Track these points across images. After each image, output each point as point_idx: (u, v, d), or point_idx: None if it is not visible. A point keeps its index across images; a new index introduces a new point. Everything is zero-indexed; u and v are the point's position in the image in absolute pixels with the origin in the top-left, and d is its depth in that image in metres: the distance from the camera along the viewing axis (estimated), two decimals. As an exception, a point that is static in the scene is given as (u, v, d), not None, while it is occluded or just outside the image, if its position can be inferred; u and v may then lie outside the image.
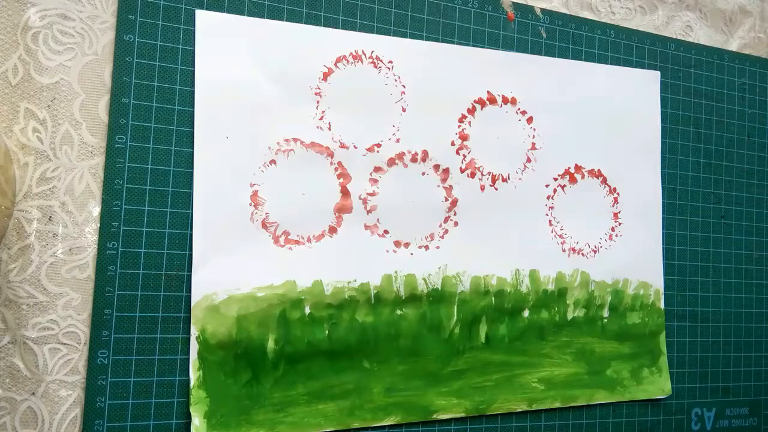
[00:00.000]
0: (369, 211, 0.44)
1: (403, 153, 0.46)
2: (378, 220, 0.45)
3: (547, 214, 0.50)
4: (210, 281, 0.40)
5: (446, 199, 0.47)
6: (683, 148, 0.56)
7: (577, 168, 0.51)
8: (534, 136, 0.49)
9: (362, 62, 0.45)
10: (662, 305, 0.53)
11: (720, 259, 0.56)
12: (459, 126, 0.47)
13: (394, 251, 0.45)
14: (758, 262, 0.58)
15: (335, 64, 0.44)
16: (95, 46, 0.39)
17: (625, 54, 0.54)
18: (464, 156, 0.47)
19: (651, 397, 0.52)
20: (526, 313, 0.48)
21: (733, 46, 0.60)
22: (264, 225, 0.42)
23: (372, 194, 0.45)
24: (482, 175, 0.48)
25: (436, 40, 0.47)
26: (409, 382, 0.45)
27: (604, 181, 0.52)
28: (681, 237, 0.55)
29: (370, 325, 0.44)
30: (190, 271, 0.40)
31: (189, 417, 0.39)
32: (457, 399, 0.46)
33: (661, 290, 0.53)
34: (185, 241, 0.40)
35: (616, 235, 0.52)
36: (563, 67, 0.51)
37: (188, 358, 0.40)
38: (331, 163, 0.44)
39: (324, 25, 0.44)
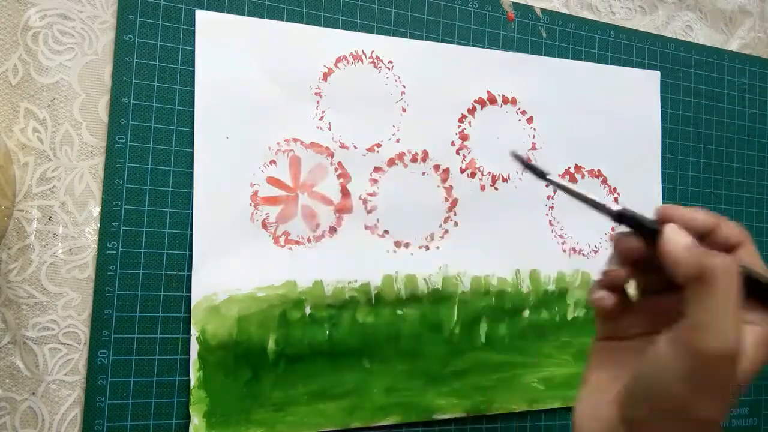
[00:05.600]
0: (369, 212, 0.44)
1: (403, 153, 0.46)
2: (378, 220, 0.45)
3: (547, 214, 0.50)
4: (210, 281, 0.40)
5: (446, 199, 0.46)
6: (683, 148, 0.56)
7: (577, 168, 0.51)
8: (534, 136, 0.49)
9: (362, 62, 0.45)
10: (662, 305, 0.53)
11: (720, 259, 0.56)
12: (459, 126, 0.47)
13: (395, 251, 0.45)
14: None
15: (335, 64, 0.44)
16: (95, 46, 0.39)
17: (625, 54, 0.54)
18: (464, 156, 0.47)
19: (651, 397, 0.52)
20: (526, 313, 0.48)
21: (733, 46, 0.60)
22: (264, 225, 0.42)
23: (372, 194, 0.45)
24: (482, 175, 0.48)
25: (436, 40, 0.47)
26: (409, 382, 0.45)
27: (604, 181, 0.52)
28: (681, 237, 0.55)
29: (370, 326, 0.44)
30: (190, 271, 0.40)
31: (189, 417, 0.39)
32: (457, 399, 0.46)
33: (661, 290, 0.53)
34: (185, 241, 0.40)
35: (616, 235, 0.52)
36: (563, 67, 0.51)
37: (188, 358, 0.40)
38: (331, 163, 0.44)
39: (324, 25, 0.44)
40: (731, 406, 0.27)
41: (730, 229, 0.30)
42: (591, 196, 0.32)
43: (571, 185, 0.32)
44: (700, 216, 0.30)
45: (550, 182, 0.33)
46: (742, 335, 0.26)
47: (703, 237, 0.30)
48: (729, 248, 0.30)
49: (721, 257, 0.27)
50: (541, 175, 0.33)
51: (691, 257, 0.27)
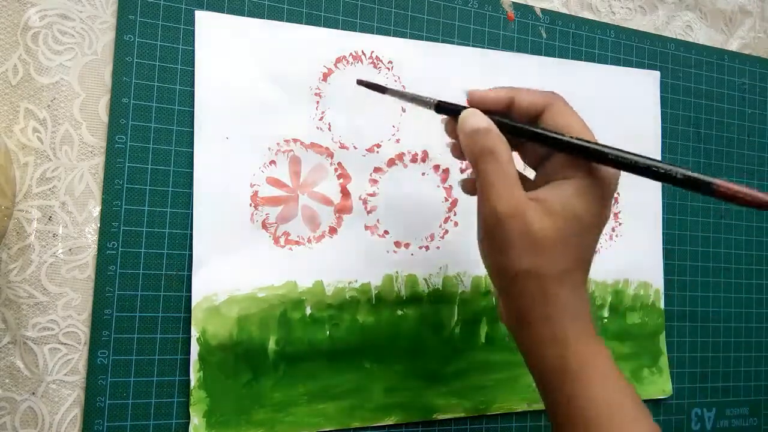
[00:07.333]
0: (369, 212, 0.44)
1: (403, 153, 0.46)
2: (378, 220, 0.45)
3: (547, 214, 0.49)
4: (210, 282, 0.40)
5: (446, 200, 0.46)
6: (683, 148, 0.56)
7: (577, 168, 0.51)
8: (534, 136, 0.49)
9: (362, 63, 0.45)
10: (662, 305, 0.53)
11: (720, 259, 0.56)
12: (459, 126, 0.47)
13: (395, 251, 0.45)
14: (758, 262, 0.58)
15: (335, 65, 0.44)
16: (95, 46, 0.39)
17: (625, 54, 0.54)
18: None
19: (651, 397, 0.52)
20: (526, 313, 0.48)
21: (733, 46, 0.60)
22: (264, 225, 0.42)
23: (372, 195, 0.45)
24: (482, 175, 0.48)
25: (436, 40, 0.47)
26: (409, 382, 0.45)
27: (604, 181, 0.52)
28: (681, 237, 0.55)
29: (371, 326, 0.44)
30: (190, 271, 0.40)
31: (189, 417, 0.39)
32: (457, 399, 0.46)
33: (661, 290, 0.53)
34: (185, 241, 0.40)
35: (616, 235, 0.52)
36: (563, 67, 0.51)
37: (188, 358, 0.40)
38: (331, 164, 0.44)
39: (324, 26, 0.44)
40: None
41: (530, 96, 0.34)
42: (413, 93, 0.38)
43: (403, 90, 0.40)
44: (492, 94, 0.34)
45: (390, 93, 0.38)
46: (558, 191, 0.32)
47: (509, 112, 0.34)
48: (535, 115, 0.34)
49: (487, 139, 0.32)
50: (379, 89, 0.39)
51: (468, 142, 0.33)
